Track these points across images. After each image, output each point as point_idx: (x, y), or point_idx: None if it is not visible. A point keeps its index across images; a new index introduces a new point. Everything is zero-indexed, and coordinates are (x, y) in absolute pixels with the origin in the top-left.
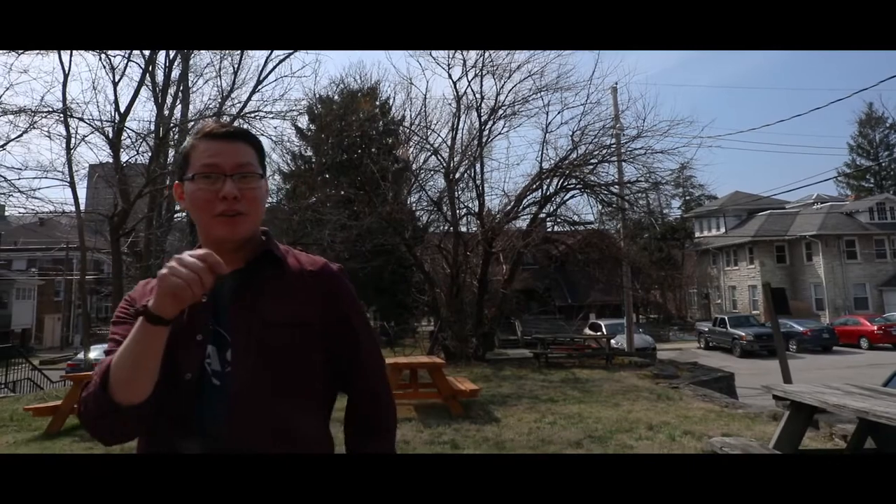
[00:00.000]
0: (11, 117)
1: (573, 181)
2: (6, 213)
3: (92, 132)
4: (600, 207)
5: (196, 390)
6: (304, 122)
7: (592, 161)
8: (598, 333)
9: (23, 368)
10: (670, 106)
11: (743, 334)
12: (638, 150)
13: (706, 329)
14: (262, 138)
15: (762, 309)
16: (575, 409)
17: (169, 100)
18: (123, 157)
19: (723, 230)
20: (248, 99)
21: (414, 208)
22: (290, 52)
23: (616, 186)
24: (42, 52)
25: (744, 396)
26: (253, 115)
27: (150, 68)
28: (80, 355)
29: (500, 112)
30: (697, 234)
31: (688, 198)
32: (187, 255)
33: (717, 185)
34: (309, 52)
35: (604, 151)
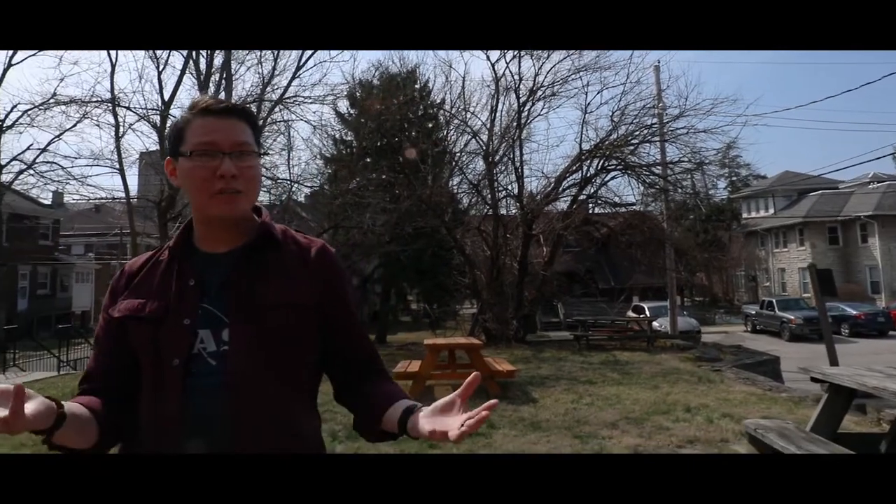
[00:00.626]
0: (64, 108)
1: (614, 162)
2: (64, 200)
3: (139, 120)
4: (642, 189)
5: (184, 375)
6: (344, 106)
7: (633, 141)
8: (641, 316)
9: (83, 348)
10: (714, 84)
11: (792, 317)
12: (680, 130)
13: (753, 312)
14: (301, 123)
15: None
16: (613, 391)
17: (212, 87)
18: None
19: (772, 211)
20: (289, 85)
21: (454, 191)
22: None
23: (658, 167)
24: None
25: (790, 381)
26: (293, 100)
27: (194, 57)
28: None
29: (539, 93)
30: (745, 216)
31: (734, 178)
32: None
33: (765, 165)
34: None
35: (645, 131)
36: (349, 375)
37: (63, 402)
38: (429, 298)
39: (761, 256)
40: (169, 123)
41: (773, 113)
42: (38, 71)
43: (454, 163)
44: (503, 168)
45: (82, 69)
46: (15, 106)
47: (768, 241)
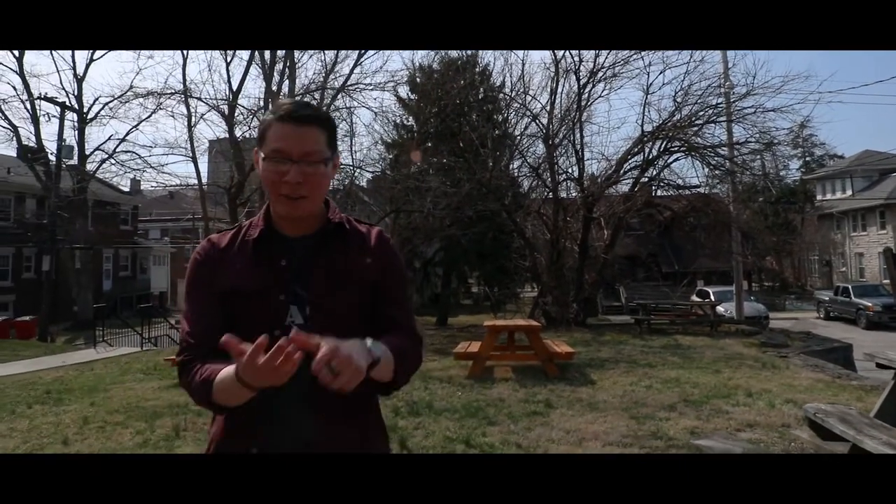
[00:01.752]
0: (141, 100)
1: (677, 143)
2: (141, 187)
3: (209, 110)
4: (707, 170)
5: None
6: (404, 91)
7: (697, 122)
8: (705, 301)
9: (162, 326)
10: (784, 60)
11: (870, 304)
12: (748, 109)
13: (826, 298)
14: (362, 110)
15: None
16: (673, 374)
17: (276, 76)
18: (237, 133)
19: (849, 192)
20: (351, 72)
21: (515, 174)
22: None
23: (724, 148)
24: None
25: (864, 370)
26: (354, 87)
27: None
28: None
29: (600, 74)
30: (820, 198)
31: (808, 158)
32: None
33: (842, 145)
34: None
35: (710, 111)
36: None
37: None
38: (489, 282)
39: (837, 240)
40: (237, 113)
41: (849, 89)
42: (116, 65)
43: (514, 146)
44: (563, 151)
45: (156, 62)
46: (96, 99)
47: (845, 224)
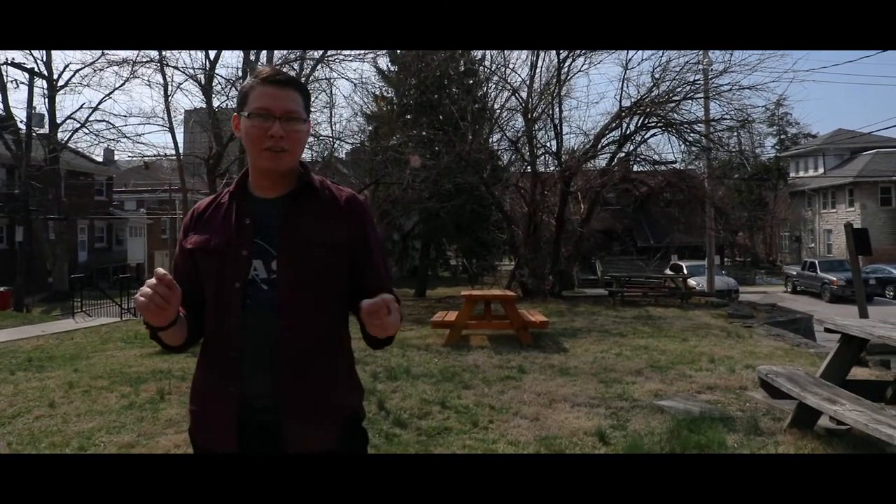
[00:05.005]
0: (115, 68)
1: (654, 119)
2: (116, 158)
3: (186, 80)
4: (683, 147)
5: (243, 296)
6: (385, 63)
7: (675, 98)
8: (678, 274)
9: None
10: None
11: (834, 279)
12: (724, 86)
13: (794, 273)
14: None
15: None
16: (642, 343)
17: None
18: (215, 103)
19: (821, 170)
20: None
21: (494, 148)
22: None
23: (701, 125)
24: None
25: (824, 340)
26: (334, 58)
27: None
28: None
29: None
30: (793, 175)
31: (783, 136)
32: (148, 281)
33: (816, 123)
34: None
35: (687, 88)
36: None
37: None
38: (468, 254)
39: (807, 217)
40: (215, 82)
41: (822, 68)
42: None
43: (494, 119)
44: (542, 125)
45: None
46: (67, 66)
47: (815, 202)
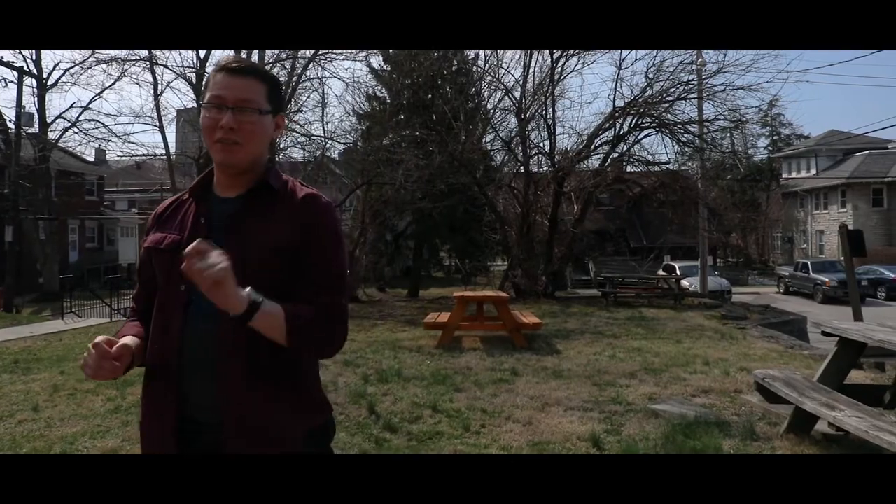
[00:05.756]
0: (105, 66)
1: (648, 119)
2: (106, 157)
3: (175, 78)
4: (677, 147)
5: (187, 301)
6: (377, 62)
7: (669, 98)
8: (671, 275)
9: (131, 297)
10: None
11: (826, 280)
12: (718, 87)
13: (787, 274)
14: (333, 80)
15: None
16: (636, 345)
17: None
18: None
19: (814, 171)
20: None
21: (487, 148)
22: None
23: (694, 125)
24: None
25: (817, 341)
26: (326, 56)
27: None
28: None
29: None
30: (785, 176)
31: (776, 137)
32: (90, 351)
33: (809, 124)
34: None
35: (681, 88)
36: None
37: (128, 342)
38: (461, 254)
39: (800, 218)
40: (205, 80)
41: (816, 69)
42: None
43: (487, 120)
44: (535, 125)
45: None
46: (57, 65)
47: (808, 203)
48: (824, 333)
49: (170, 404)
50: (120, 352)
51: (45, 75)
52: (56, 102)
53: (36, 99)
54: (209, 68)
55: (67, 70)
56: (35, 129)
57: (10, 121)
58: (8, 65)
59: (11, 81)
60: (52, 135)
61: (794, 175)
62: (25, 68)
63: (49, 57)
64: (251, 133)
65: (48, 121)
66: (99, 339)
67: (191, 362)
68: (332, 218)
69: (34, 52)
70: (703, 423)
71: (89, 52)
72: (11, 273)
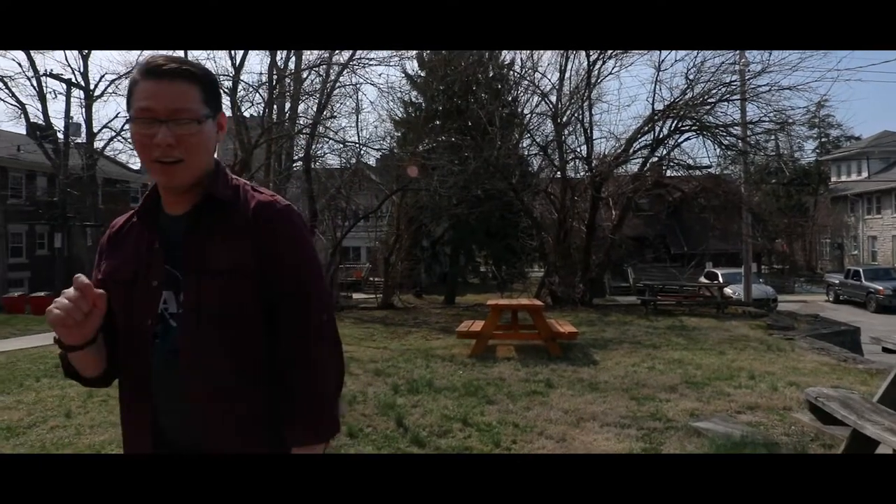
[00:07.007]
0: None
1: (688, 122)
2: None
3: None
4: (719, 150)
5: (153, 335)
6: (412, 67)
7: (710, 100)
8: (713, 282)
9: None
10: None
11: (881, 287)
12: (762, 87)
13: (837, 281)
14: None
15: None
16: (676, 356)
17: (281, 53)
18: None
19: (865, 174)
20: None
21: (523, 153)
22: None
23: (737, 127)
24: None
25: (871, 354)
26: (359, 62)
27: None
28: None
29: (610, 51)
30: (834, 179)
31: (824, 139)
32: (65, 292)
33: (860, 125)
34: None
35: (723, 89)
36: (280, 349)
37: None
38: (497, 261)
39: (850, 223)
40: (240, 88)
41: (869, 66)
42: None
43: (523, 124)
44: (572, 129)
45: None
46: (103, 76)
47: (859, 207)
48: (886, 350)
49: (146, 437)
50: (97, 301)
51: (91, 86)
52: (102, 112)
53: (83, 109)
54: (244, 75)
55: (113, 81)
56: (82, 138)
57: (59, 131)
58: (57, 77)
59: (60, 93)
60: (98, 144)
61: (843, 178)
62: (73, 80)
63: (95, 69)
64: (194, 147)
65: (94, 130)
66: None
67: (163, 403)
68: (291, 227)
69: (82, 64)
70: (750, 444)
71: (133, 63)
72: (60, 278)
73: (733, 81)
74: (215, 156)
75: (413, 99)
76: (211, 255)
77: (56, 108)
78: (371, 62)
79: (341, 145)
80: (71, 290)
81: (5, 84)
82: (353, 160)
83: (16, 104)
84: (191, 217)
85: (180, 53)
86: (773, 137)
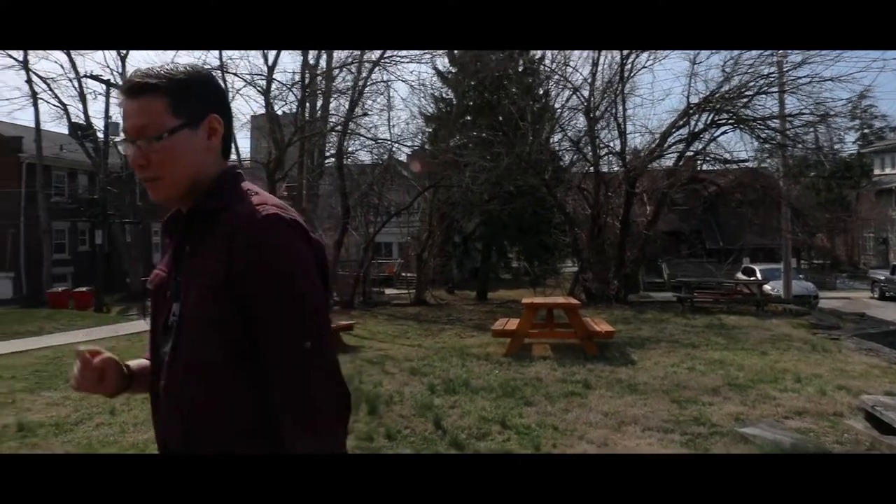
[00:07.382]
0: None
1: (725, 116)
2: None
3: (245, 85)
4: (756, 144)
5: (164, 338)
6: (443, 64)
7: (747, 93)
8: (751, 278)
9: None
10: None
11: None
12: (802, 79)
13: (882, 277)
14: (398, 83)
15: None
16: (717, 356)
17: (312, 53)
18: (275, 108)
19: None
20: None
21: (555, 148)
22: None
23: (775, 120)
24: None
25: None
26: (390, 59)
27: None
28: None
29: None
30: (877, 172)
31: (866, 131)
32: (76, 365)
33: None
34: None
35: (761, 82)
36: (271, 390)
37: (114, 358)
38: (529, 256)
39: (895, 217)
40: (273, 87)
41: None
42: None
43: (554, 119)
44: (605, 124)
45: None
46: None
47: None
48: None
49: (159, 442)
50: (103, 364)
51: None
52: None
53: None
54: (277, 74)
55: None
56: (122, 137)
57: (99, 131)
58: (97, 78)
59: (100, 94)
60: None
61: (887, 171)
62: (112, 81)
63: (131, 68)
64: (164, 162)
65: None
66: (84, 347)
67: (165, 416)
68: (275, 244)
69: (120, 64)
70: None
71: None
72: (101, 274)
73: (771, 73)
74: (225, 161)
75: (444, 95)
76: (194, 266)
77: (96, 108)
78: (402, 59)
79: (373, 142)
80: (78, 363)
81: (48, 86)
82: (385, 157)
83: (58, 105)
84: (183, 227)
85: (214, 54)
86: (812, 130)
